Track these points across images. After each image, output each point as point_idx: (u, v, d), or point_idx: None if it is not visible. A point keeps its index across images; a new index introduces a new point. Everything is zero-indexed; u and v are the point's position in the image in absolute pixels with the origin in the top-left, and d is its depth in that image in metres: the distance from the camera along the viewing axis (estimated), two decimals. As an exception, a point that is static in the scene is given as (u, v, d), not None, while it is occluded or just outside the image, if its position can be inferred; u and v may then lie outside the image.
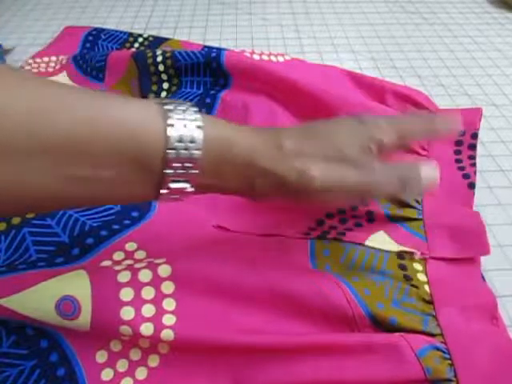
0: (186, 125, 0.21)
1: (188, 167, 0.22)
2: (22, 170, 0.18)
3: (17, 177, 0.18)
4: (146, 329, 0.25)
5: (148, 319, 0.26)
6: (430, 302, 0.29)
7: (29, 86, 0.19)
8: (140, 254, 0.31)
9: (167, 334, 0.25)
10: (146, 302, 0.26)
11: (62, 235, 0.32)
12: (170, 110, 0.22)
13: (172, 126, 0.21)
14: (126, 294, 0.26)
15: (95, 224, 0.32)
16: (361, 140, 0.26)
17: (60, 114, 0.19)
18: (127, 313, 0.26)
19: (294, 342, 0.26)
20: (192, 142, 0.21)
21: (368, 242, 0.32)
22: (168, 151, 0.21)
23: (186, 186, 0.22)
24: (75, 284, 0.27)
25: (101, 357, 0.26)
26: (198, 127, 0.22)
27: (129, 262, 0.30)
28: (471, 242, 0.32)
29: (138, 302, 0.26)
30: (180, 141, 0.21)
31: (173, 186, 0.22)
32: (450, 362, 0.25)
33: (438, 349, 0.26)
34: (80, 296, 0.26)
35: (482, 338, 0.27)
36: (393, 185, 0.26)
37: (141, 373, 0.26)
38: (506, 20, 0.68)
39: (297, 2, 0.75)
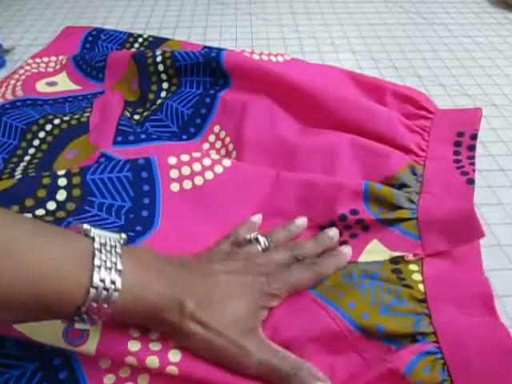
0: (105, 283, 0.22)
1: (95, 316, 0.23)
2: None
3: None
4: (152, 362, 0.25)
5: (154, 352, 0.25)
6: (424, 301, 0.29)
7: None
8: None
9: (171, 370, 0.25)
10: (152, 340, 0.26)
11: None
12: (97, 265, 0.22)
13: (95, 287, 0.22)
14: (135, 330, 0.26)
15: None
16: (255, 303, 0.28)
17: None
18: (134, 345, 0.25)
19: None
20: (106, 300, 0.22)
21: (362, 258, 0.32)
22: (83, 305, 0.22)
23: (88, 326, 0.24)
24: None
25: (104, 363, 0.26)
26: (115, 290, 0.23)
27: None
28: (463, 229, 0.31)
29: (145, 339, 0.26)
30: (96, 300, 0.22)
31: (77, 325, 0.23)
32: (442, 361, 0.25)
33: (428, 353, 0.26)
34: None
35: (478, 331, 0.26)
36: None
37: (143, 379, 0.26)
38: (506, 20, 0.68)
39: (297, 2, 0.75)
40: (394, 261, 0.31)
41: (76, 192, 0.34)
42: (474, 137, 0.40)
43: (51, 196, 0.34)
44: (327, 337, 0.27)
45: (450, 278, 0.30)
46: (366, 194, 0.34)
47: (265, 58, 0.47)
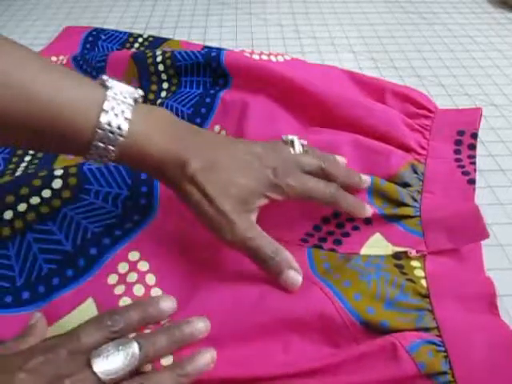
0: (112, 126, 0.24)
1: (104, 158, 0.25)
2: None
3: None
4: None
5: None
6: (427, 296, 0.29)
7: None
8: (143, 265, 0.31)
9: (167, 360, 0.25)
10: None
11: (65, 243, 0.32)
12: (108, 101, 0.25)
13: (102, 129, 0.24)
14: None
15: (97, 229, 0.32)
16: (257, 187, 0.28)
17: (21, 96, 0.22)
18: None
19: (282, 372, 0.26)
20: (111, 143, 0.25)
21: (364, 251, 0.32)
22: (91, 143, 0.24)
23: (100, 164, 0.26)
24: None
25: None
26: (120, 135, 0.25)
27: (133, 275, 0.30)
28: (468, 229, 0.31)
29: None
30: (102, 141, 0.24)
31: (91, 161, 0.26)
32: (444, 354, 0.25)
33: (431, 343, 0.26)
34: None
35: (480, 327, 0.26)
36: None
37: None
38: (506, 20, 0.68)
39: (297, 1, 0.75)
40: (397, 256, 0.31)
41: (72, 181, 0.35)
42: (475, 136, 0.40)
43: (47, 184, 0.34)
44: (329, 326, 0.27)
45: (452, 275, 0.30)
46: (370, 188, 0.35)
47: (265, 57, 0.47)
